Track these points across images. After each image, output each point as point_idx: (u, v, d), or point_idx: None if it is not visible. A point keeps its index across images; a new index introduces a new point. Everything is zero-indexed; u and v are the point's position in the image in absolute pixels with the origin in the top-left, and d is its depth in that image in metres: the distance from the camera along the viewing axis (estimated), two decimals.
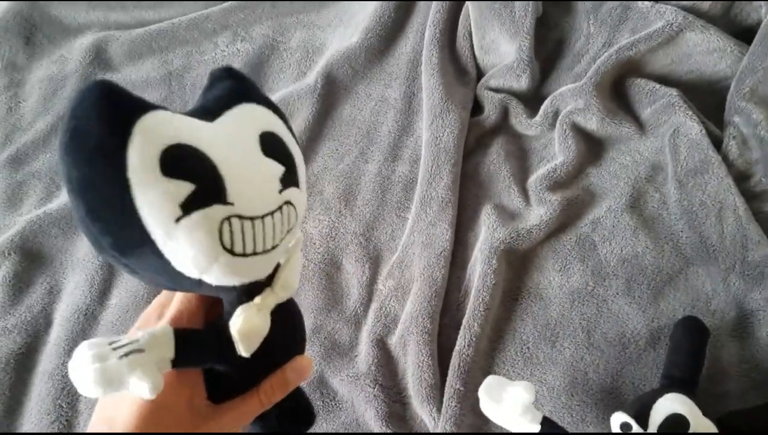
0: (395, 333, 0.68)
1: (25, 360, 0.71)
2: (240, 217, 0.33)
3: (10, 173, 0.88)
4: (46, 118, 0.93)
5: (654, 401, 0.55)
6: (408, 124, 0.85)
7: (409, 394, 0.64)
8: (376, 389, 0.64)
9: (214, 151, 0.33)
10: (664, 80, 0.78)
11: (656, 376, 0.61)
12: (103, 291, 0.76)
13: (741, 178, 0.70)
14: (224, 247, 0.33)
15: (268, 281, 0.38)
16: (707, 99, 0.77)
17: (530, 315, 0.68)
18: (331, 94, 0.87)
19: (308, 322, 0.70)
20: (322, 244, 0.76)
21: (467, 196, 0.78)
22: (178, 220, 0.31)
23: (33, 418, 0.66)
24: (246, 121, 0.36)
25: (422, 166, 0.79)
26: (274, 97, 0.87)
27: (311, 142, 0.84)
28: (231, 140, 0.34)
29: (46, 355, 0.71)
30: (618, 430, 0.52)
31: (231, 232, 0.32)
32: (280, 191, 0.36)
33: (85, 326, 0.72)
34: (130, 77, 0.95)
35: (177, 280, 0.33)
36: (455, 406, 0.61)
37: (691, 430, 0.52)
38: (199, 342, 0.37)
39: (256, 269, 0.36)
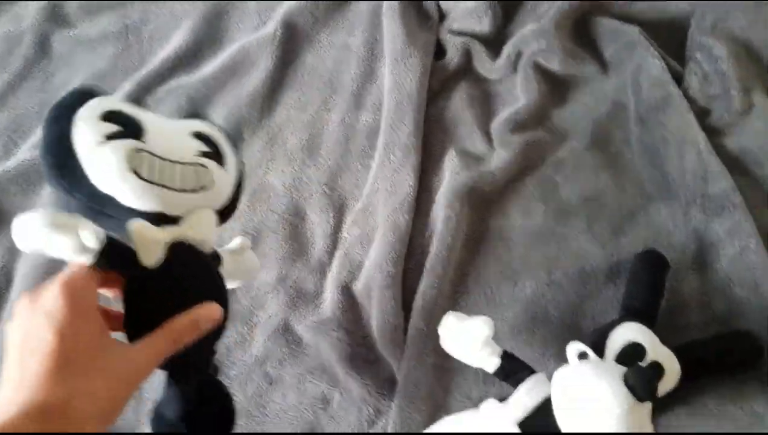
0: (360, 279, 0.69)
1: None
2: (151, 153, 0.44)
3: None
4: (3, 76, 0.91)
5: (611, 330, 0.56)
6: (371, 72, 0.84)
7: (373, 336, 0.65)
8: (339, 333, 0.65)
9: (148, 121, 0.46)
10: (626, 18, 0.78)
11: (616, 310, 0.62)
12: None
13: (702, 114, 0.71)
14: (133, 171, 0.42)
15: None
16: (669, 36, 0.77)
17: (493, 257, 0.68)
18: (291, 42, 0.86)
19: (273, 273, 0.71)
20: (285, 195, 0.76)
21: (432, 142, 0.78)
22: (99, 144, 0.42)
23: None
24: (189, 123, 0.50)
25: (385, 113, 0.79)
26: (233, 48, 0.86)
27: (273, 92, 0.84)
28: (166, 123, 0.48)
29: (6, 313, 0.71)
30: (575, 359, 0.53)
31: (141, 161, 0.43)
32: (198, 155, 0.47)
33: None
34: (87, 32, 0.93)
35: (99, 201, 0.42)
36: (418, 346, 0.62)
37: (648, 358, 0.53)
38: (118, 245, 0.43)
39: (161, 200, 0.44)
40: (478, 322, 0.55)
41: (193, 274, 0.46)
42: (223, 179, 0.49)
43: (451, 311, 0.58)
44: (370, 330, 0.66)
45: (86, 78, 0.89)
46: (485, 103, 0.81)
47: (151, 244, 0.43)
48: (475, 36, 0.83)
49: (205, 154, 0.48)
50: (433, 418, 0.59)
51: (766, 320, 0.59)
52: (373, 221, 0.73)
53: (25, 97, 0.89)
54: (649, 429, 0.50)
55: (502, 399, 0.54)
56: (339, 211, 0.75)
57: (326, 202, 0.75)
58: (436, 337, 0.62)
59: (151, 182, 0.43)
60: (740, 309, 0.61)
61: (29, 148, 0.86)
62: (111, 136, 0.43)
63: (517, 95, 0.80)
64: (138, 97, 0.85)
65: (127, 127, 0.44)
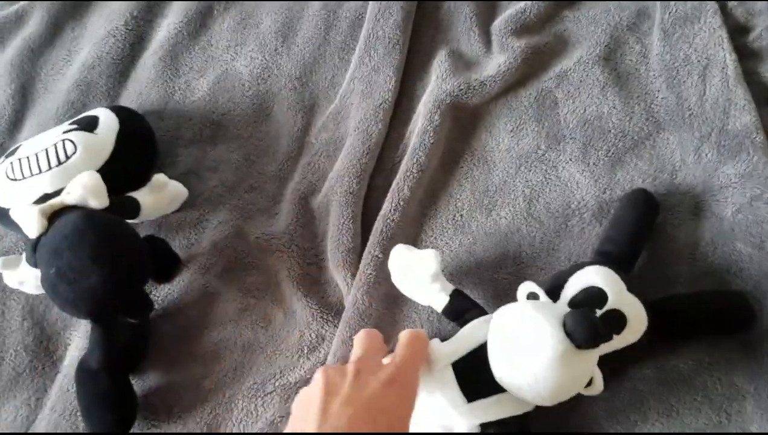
0: (320, 192, 0.63)
1: None
2: (18, 159, 0.59)
3: None
4: None
5: (573, 274, 0.50)
6: None
7: (325, 257, 0.61)
8: (291, 249, 0.60)
9: (26, 141, 0.62)
10: None
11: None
12: (13, 122, 0.72)
13: (737, 32, 0.60)
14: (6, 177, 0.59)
15: None
16: None
17: (470, 180, 0.62)
18: None
19: (229, 174, 0.65)
20: (252, 87, 0.69)
21: (421, 39, 0.69)
22: None
23: None
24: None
25: None
26: None
27: None
28: (46, 133, 0.63)
29: None
30: (522, 297, 0.48)
31: (9, 168, 0.59)
32: (62, 134, 0.60)
33: None
34: None
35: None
36: (370, 273, 0.57)
37: (609, 306, 0.47)
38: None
39: (30, 187, 0.57)
40: (425, 255, 0.50)
41: (74, 231, 0.51)
42: (91, 141, 0.59)
43: (400, 243, 0.52)
44: (325, 248, 0.61)
45: None
46: None
47: (26, 220, 0.53)
48: None
49: (70, 131, 0.59)
50: None
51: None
52: (344, 127, 0.66)
53: None
54: (584, 381, 0.44)
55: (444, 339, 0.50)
56: (309, 111, 0.68)
57: (296, 99, 0.68)
58: None
59: (16, 180, 0.58)
60: (739, 266, 0.54)
61: None
62: None
63: None
64: None
65: (8, 154, 0.61)
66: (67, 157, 0.57)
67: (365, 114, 0.64)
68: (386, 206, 0.60)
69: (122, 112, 0.63)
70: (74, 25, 0.77)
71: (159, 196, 0.61)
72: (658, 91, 0.61)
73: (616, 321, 0.47)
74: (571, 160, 0.60)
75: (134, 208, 0.58)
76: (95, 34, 0.75)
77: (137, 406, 0.55)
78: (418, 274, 0.51)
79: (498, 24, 0.67)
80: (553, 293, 0.49)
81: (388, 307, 0.57)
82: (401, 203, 0.59)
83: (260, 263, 0.61)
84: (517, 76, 0.64)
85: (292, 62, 0.70)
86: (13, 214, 0.54)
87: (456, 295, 0.51)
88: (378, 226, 0.59)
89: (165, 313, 0.60)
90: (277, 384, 0.56)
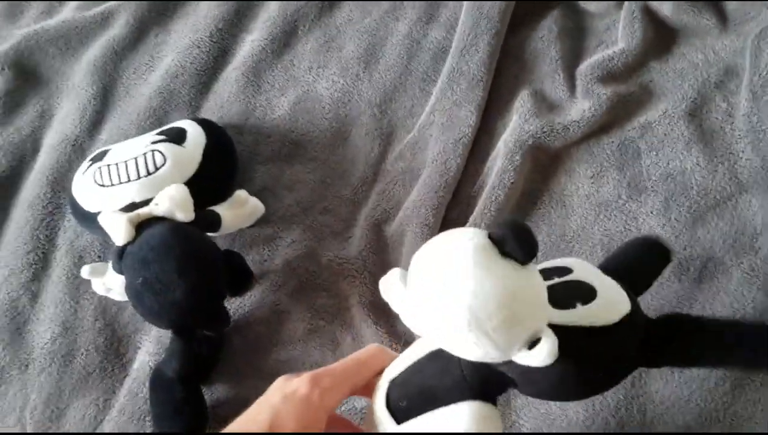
0: (394, 220, 0.64)
1: (7, 184, 0.71)
2: (107, 165, 0.61)
3: None
4: None
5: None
6: None
7: None
8: (363, 275, 0.62)
9: (114, 146, 0.65)
10: None
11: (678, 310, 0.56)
12: (94, 123, 0.73)
13: None
14: (95, 182, 0.61)
15: None
16: None
17: (547, 223, 0.62)
18: None
19: (304, 194, 0.67)
20: (331, 110, 0.71)
21: (504, 77, 0.70)
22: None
23: (10, 246, 0.67)
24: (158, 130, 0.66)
25: (458, 33, 0.70)
26: None
27: None
28: (134, 139, 0.66)
29: (29, 182, 0.70)
30: None
31: (99, 173, 0.61)
32: (151, 144, 0.62)
33: (72, 157, 0.71)
34: None
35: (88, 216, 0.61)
36: None
37: (573, 277, 0.41)
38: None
39: (119, 195, 0.60)
40: None
41: (161, 243, 0.54)
42: (180, 154, 0.61)
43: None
44: None
45: None
46: (577, 38, 0.72)
47: (115, 227, 0.55)
48: None
49: (159, 142, 0.62)
50: None
51: None
52: (422, 158, 0.67)
53: None
54: (530, 307, 0.34)
55: None
56: (386, 139, 0.69)
57: (375, 126, 0.70)
58: None
59: (104, 186, 0.60)
60: None
61: (73, 9, 0.82)
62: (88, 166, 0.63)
63: (616, 36, 0.70)
64: None
65: (95, 157, 0.64)
66: (156, 169, 0.60)
67: (444, 147, 0.65)
68: None
69: (208, 126, 0.65)
70: (158, 31, 0.79)
71: (239, 211, 0.62)
72: (743, 151, 0.62)
73: (579, 289, 0.40)
74: (652, 212, 0.61)
75: (216, 223, 0.60)
76: (179, 43, 0.77)
77: (207, 418, 0.56)
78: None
79: (584, 69, 0.68)
80: None
81: None
82: None
83: (331, 286, 0.62)
84: (600, 123, 0.65)
85: (372, 89, 0.71)
86: (101, 220, 0.56)
87: None
88: None
89: (235, 327, 0.61)
90: (344, 408, 0.57)
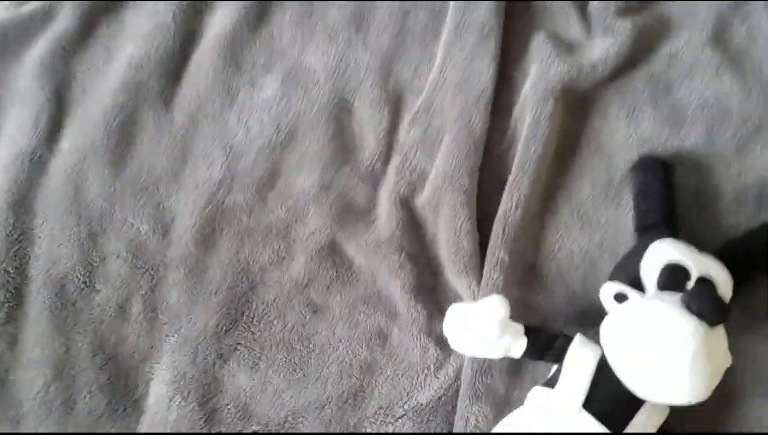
0: (423, 193, 0.60)
1: None
2: None
3: None
4: None
5: (640, 258, 0.49)
6: None
7: (440, 263, 0.58)
8: (401, 258, 0.57)
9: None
10: None
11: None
12: (51, 131, 0.65)
13: None
14: None
15: None
16: None
17: (589, 170, 0.60)
18: None
19: (314, 178, 0.62)
20: (327, 81, 0.66)
21: (513, 23, 0.67)
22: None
23: None
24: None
25: None
26: None
27: None
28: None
29: None
30: (613, 303, 0.47)
31: None
32: None
33: (32, 175, 0.62)
34: None
35: None
36: (498, 277, 0.55)
37: (696, 275, 0.47)
38: None
39: None
40: (490, 303, 0.47)
41: None
42: None
43: (455, 304, 0.50)
44: (437, 254, 0.58)
45: None
46: None
47: None
48: None
49: None
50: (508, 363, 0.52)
51: None
52: (439, 121, 0.63)
53: None
54: (727, 357, 0.44)
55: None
56: (395, 105, 0.65)
57: (378, 94, 0.65)
58: (521, 268, 0.56)
59: None
60: None
61: (4, 8, 0.73)
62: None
63: None
64: None
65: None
66: None
67: (464, 106, 0.62)
68: (505, 204, 0.57)
69: None
70: (109, 21, 0.71)
71: None
72: None
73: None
74: (697, 144, 0.59)
75: None
76: (137, 30, 0.69)
77: None
78: (485, 328, 0.47)
79: (597, 5, 0.66)
80: (634, 285, 0.48)
81: (521, 313, 0.54)
82: (522, 200, 0.57)
83: (366, 275, 0.58)
84: (625, 58, 0.63)
85: (369, 53, 0.67)
86: None
87: (532, 332, 0.49)
88: (498, 226, 0.57)
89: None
90: (406, 407, 0.52)
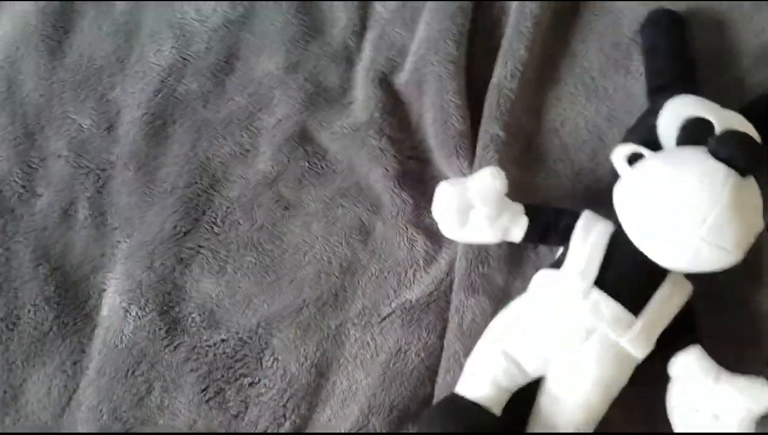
0: (404, 68, 0.54)
1: None
2: None
3: None
4: None
5: (656, 116, 0.44)
6: None
7: (427, 146, 0.52)
8: (383, 143, 0.51)
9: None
10: None
11: None
12: None
13: None
14: None
15: None
16: None
17: (594, 33, 0.54)
18: None
19: (279, 59, 0.56)
20: None
21: None
22: None
23: None
24: None
25: None
26: None
27: None
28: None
29: None
30: (623, 165, 0.40)
31: None
32: None
33: None
34: None
35: None
36: (492, 157, 0.48)
37: (720, 128, 0.40)
38: None
39: None
40: (482, 177, 0.41)
41: None
42: None
43: (443, 181, 0.43)
44: (423, 137, 0.52)
45: None
46: None
47: None
48: None
49: None
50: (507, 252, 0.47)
51: None
52: None
53: None
54: (761, 222, 0.39)
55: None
56: None
57: None
58: (519, 145, 0.50)
59: None
60: None
61: None
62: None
63: None
64: None
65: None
66: None
67: None
68: (499, 72, 0.51)
69: None
70: None
71: None
72: None
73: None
74: None
75: None
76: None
77: None
78: (479, 205, 0.41)
79: None
80: (651, 146, 0.42)
81: (519, 197, 0.47)
82: (518, 67, 0.50)
83: (343, 164, 0.51)
84: None
85: None
86: None
87: (533, 211, 0.43)
88: (492, 97, 0.51)
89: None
90: (394, 305, 0.47)
